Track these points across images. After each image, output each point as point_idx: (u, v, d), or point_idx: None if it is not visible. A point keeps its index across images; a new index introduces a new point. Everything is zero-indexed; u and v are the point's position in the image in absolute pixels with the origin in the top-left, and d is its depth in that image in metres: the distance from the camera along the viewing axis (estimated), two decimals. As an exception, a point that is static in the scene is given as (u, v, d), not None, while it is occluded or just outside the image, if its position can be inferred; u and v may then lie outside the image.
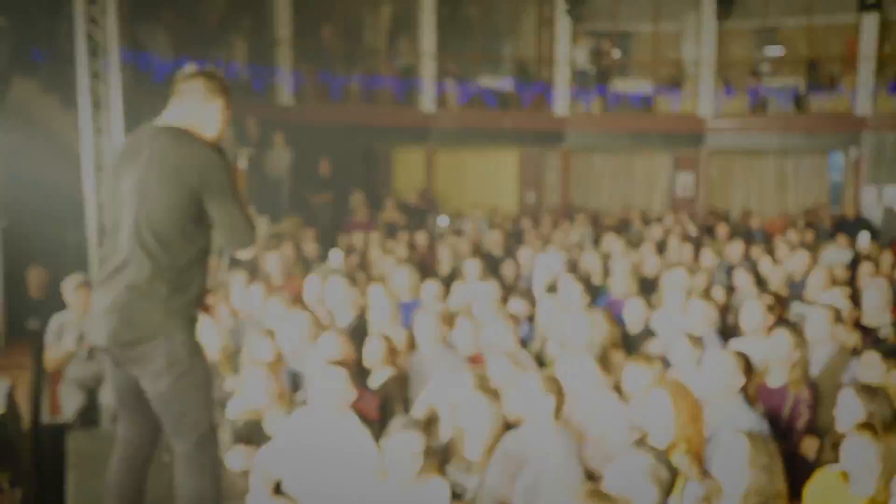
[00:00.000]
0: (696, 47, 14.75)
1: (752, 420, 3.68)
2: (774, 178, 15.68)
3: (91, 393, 5.37)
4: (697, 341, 4.51)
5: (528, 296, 6.49)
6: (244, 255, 2.85)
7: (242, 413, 4.14)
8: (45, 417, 5.38)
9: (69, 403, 5.22)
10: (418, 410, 4.18)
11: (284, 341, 4.84)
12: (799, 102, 14.10)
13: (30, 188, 7.56)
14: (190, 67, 2.80)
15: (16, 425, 4.49)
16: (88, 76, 7.05)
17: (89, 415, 5.20)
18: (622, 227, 12.06)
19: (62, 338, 5.52)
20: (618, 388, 4.02)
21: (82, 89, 7.04)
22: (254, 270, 7.81)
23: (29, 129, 7.90)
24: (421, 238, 10.28)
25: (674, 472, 2.93)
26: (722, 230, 10.36)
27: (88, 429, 4.91)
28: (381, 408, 4.22)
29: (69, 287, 5.59)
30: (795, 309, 6.07)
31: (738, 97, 14.56)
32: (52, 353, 5.49)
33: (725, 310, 6.09)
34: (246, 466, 3.73)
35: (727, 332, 5.42)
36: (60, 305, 6.20)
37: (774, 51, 15.85)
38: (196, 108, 2.71)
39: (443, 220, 12.80)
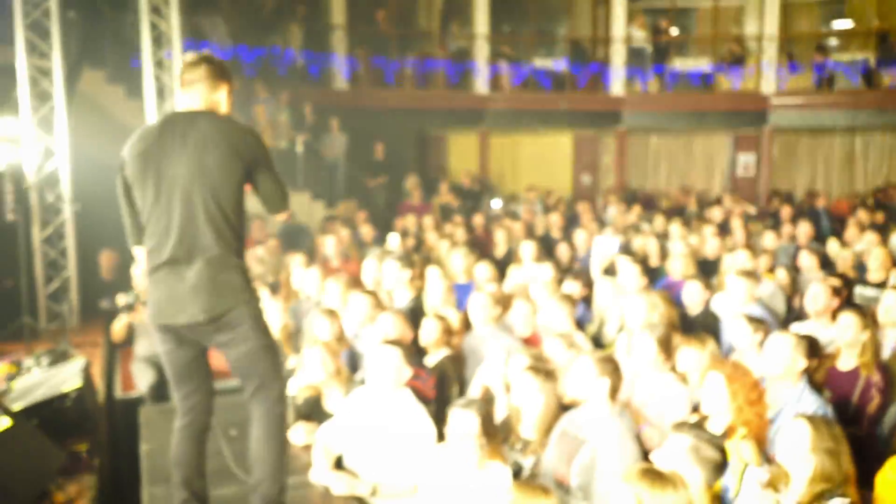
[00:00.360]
0: (759, 22, 14.23)
1: (815, 404, 3.61)
2: (842, 157, 15.10)
3: (161, 370, 5.59)
4: (759, 323, 4.42)
5: (584, 277, 6.46)
6: (280, 217, 3.06)
7: (302, 390, 4.26)
8: (118, 393, 5.66)
9: (141, 380, 5.45)
10: (473, 390, 4.23)
11: (344, 322, 4.95)
12: (868, 77, 13.45)
13: (99, 174, 7.85)
14: (190, 56, 2.94)
15: (92, 399, 4.72)
16: (153, 66, 7.28)
17: (160, 390, 5.40)
18: (679, 209, 11.83)
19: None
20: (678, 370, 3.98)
21: (147, 79, 7.27)
22: (311, 253, 7.99)
23: (97, 117, 8.21)
24: (476, 220, 10.30)
25: (723, 454, 2.89)
26: (786, 211, 10.06)
27: (159, 404, 5.11)
28: (437, 387, 4.28)
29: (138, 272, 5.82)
30: (865, 292, 5.88)
31: (803, 73, 14.00)
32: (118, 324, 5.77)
33: (791, 292, 5.95)
34: (307, 442, 3.85)
35: (792, 315, 5.29)
36: (130, 286, 6.48)
37: (842, 24, 15.19)
38: (208, 93, 2.88)
39: (496, 203, 12.78)
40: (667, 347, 3.99)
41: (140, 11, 7.19)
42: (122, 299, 5.58)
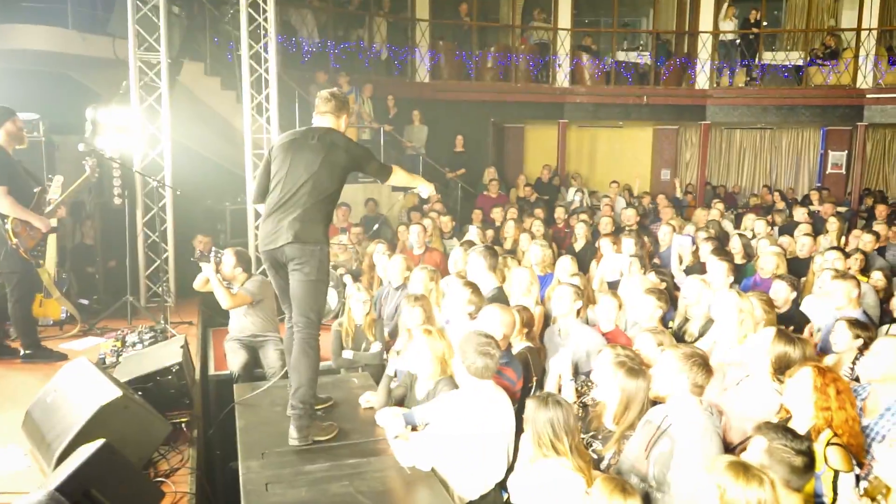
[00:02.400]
0: (857, 13, 13.58)
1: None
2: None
3: (251, 349, 5.85)
4: (857, 325, 4.30)
5: (666, 274, 6.39)
6: (392, 181, 4.30)
7: (399, 374, 4.39)
8: (211, 371, 5.95)
9: (233, 360, 5.71)
10: (550, 382, 4.25)
11: (439, 309, 5.06)
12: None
13: (194, 162, 8.25)
14: (324, 93, 4.22)
15: (190, 375, 4.96)
16: (249, 58, 7.56)
17: (250, 370, 5.66)
18: (766, 207, 11.47)
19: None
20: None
21: (244, 71, 7.55)
22: (392, 242, 8.16)
23: (195, 108, 8.59)
24: (555, 214, 10.28)
25: (807, 458, 2.83)
26: (881, 210, 9.62)
27: (252, 381, 5.34)
28: (520, 378, 4.32)
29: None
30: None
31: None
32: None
33: (886, 295, 5.73)
34: (391, 424, 3.95)
35: (888, 317, 5.10)
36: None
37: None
38: (335, 119, 4.18)
39: (576, 197, 12.71)
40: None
41: (239, 6, 7.48)
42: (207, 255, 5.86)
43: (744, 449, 3.14)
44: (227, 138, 8.94)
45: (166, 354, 4.71)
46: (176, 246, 7.47)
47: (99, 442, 3.09)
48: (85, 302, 6.89)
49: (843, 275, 5.19)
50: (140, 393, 4.19)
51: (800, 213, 9.52)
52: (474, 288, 4.96)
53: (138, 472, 3.38)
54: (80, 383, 3.82)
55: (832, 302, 5.08)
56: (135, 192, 7.11)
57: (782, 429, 2.90)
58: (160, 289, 7.32)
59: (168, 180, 7.23)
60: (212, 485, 4.12)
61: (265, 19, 7.47)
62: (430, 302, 5.03)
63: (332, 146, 4.02)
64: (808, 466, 2.82)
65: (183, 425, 4.34)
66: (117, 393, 3.64)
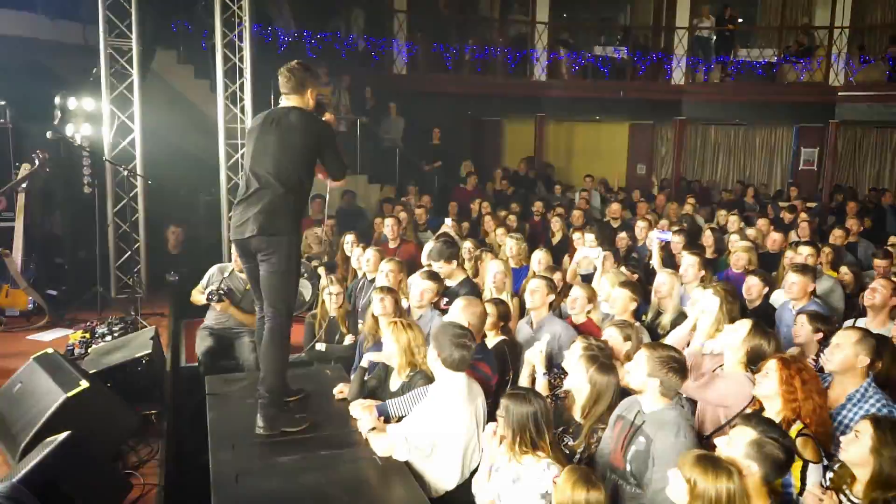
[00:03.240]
0: (830, 11, 13.76)
1: (879, 402, 3.55)
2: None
3: (220, 339, 5.81)
4: (818, 318, 4.37)
5: (641, 267, 6.43)
6: (338, 184, 4.16)
7: (371, 366, 4.37)
8: (183, 362, 5.89)
9: (199, 346, 5.70)
10: (524, 376, 4.26)
11: (403, 301, 5.06)
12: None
13: (167, 151, 8.13)
14: (282, 70, 3.95)
15: (160, 366, 4.91)
16: (223, 47, 7.46)
17: (213, 358, 5.62)
18: (738, 202, 11.61)
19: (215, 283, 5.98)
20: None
21: (218, 60, 7.45)
22: (368, 235, 8.13)
23: (167, 96, 8.46)
24: (530, 207, 10.30)
25: (788, 452, 2.84)
26: (851, 207, 9.78)
27: (213, 370, 5.30)
28: (495, 373, 4.32)
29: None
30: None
31: (874, 65, 13.49)
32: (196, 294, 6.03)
33: (855, 288, 5.83)
34: (363, 416, 3.94)
35: (855, 311, 5.20)
36: (195, 261, 6.71)
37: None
38: (296, 96, 3.95)
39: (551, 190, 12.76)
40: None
41: (214, -6, 7.37)
42: (215, 291, 5.81)
43: (718, 436, 3.17)
44: (201, 128, 8.82)
45: (136, 346, 4.66)
46: (148, 236, 7.36)
47: (65, 434, 3.05)
48: (53, 293, 6.76)
49: (801, 268, 5.28)
50: (108, 384, 4.13)
51: (771, 209, 9.65)
52: (435, 277, 4.97)
53: (105, 464, 3.34)
54: (47, 374, 3.76)
55: (788, 293, 5.16)
56: (105, 182, 6.99)
57: (769, 422, 2.92)
58: (131, 280, 7.22)
59: (139, 169, 7.12)
60: (182, 477, 4.06)
61: (240, 7, 7.36)
62: (399, 294, 5.02)
63: (290, 129, 3.86)
64: (790, 463, 2.85)
65: (153, 417, 4.29)
66: (84, 384, 3.59)
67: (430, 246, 6.26)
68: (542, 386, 4.06)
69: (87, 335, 5.60)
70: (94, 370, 4.27)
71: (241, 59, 7.51)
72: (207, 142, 8.38)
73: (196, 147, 9.28)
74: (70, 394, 3.50)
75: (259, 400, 3.89)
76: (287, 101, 3.97)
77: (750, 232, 7.78)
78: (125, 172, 6.79)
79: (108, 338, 5.55)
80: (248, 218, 3.83)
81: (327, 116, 4.13)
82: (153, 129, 7.39)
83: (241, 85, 7.57)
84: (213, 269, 6.10)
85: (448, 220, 7.63)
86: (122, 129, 7.09)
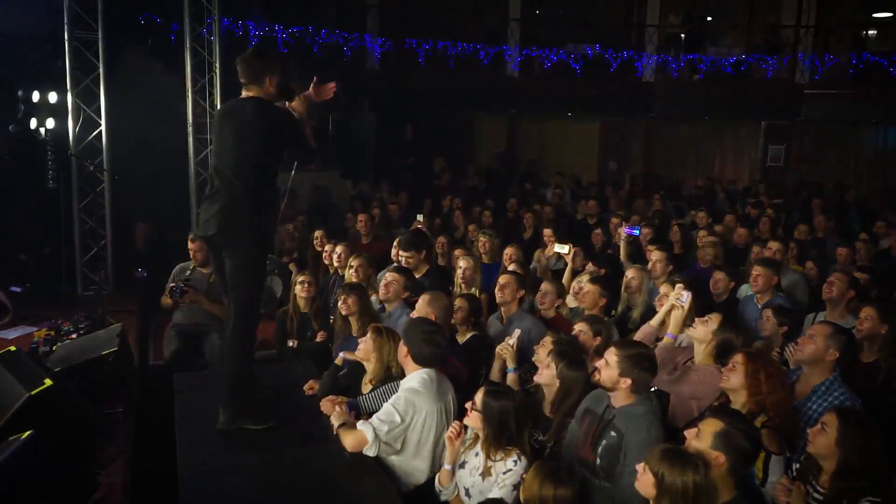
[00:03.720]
0: (796, 11, 13.99)
1: (844, 395, 3.63)
2: (874, 150, 14.87)
3: (188, 338, 5.75)
4: (782, 312, 4.45)
5: (612, 263, 6.50)
6: (306, 161, 3.87)
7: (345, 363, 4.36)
8: (151, 361, 5.82)
9: (167, 347, 5.63)
10: (494, 370, 4.28)
11: (372, 297, 5.06)
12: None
13: (135, 147, 8.02)
14: (242, 56, 3.84)
15: (127, 364, 4.85)
16: (191, 41, 7.38)
17: (181, 358, 5.56)
18: (708, 198, 11.76)
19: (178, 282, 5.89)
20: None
21: (186, 54, 7.37)
22: (341, 230, 8.10)
23: (135, 91, 8.33)
24: (503, 203, 10.34)
25: (756, 444, 2.88)
26: (817, 203, 9.97)
27: (182, 370, 5.24)
28: (465, 367, 4.34)
29: (190, 241, 5.96)
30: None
31: (839, 64, 13.76)
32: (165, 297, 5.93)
33: (820, 283, 5.94)
34: (334, 411, 3.93)
35: (820, 306, 5.30)
36: (163, 257, 6.63)
37: (881, 15, 14.88)
38: (253, 85, 3.81)
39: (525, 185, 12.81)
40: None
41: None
42: (176, 287, 5.73)
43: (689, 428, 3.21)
44: (170, 123, 8.70)
45: (102, 343, 4.59)
46: (116, 232, 7.26)
47: (28, 433, 3.01)
48: (17, 289, 6.64)
49: (765, 262, 5.38)
50: (74, 382, 4.07)
51: (739, 205, 9.79)
52: (406, 274, 4.98)
53: (70, 463, 3.29)
54: (10, 373, 3.69)
55: (754, 287, 5.26)
56: (71, 177, 6.88)
57: (737, 414, 2.97)
58: (98, 276, 7.11)
59: (106, 165, 7.02)
60: (149, 475, 4.02)
61: (209, 1, 7.28)
62: (366, 291, 5.01)
63: (246, 122, 3.75)
64: (757, 453, 2.92)
65: (119, 415, 4.23)
66: (48, 382, 3.54)
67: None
68: (511, 381, 4.09)
69: (53, 333, 5.50)
70: (59, 368, 4.21)
71: (210, 54, 7.44)
72: (177, 137, 8.28)
73: (165, 142, 9.15)
74: (33, 392, 3.45)
75: (223, 396, 3.87)
76: (246, 91, 3.86)
77: (718, 227, 7.89)
78: (91, 167, 6.68)
79: (74, 335, 5.47)
80: (210, 216, 3.80)
81: (296, 103, 3.99)
82: (121, 124, 7.28)
83: (211, 79, 7.49)
84: (176, 269, 6.05)
85: (419, 216, 7.64)
86: (88, 123, 6.98)
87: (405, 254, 5.44)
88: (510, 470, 3.17)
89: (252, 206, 3.77)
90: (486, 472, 3.22)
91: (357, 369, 4.27)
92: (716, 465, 2.73)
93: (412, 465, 3.61)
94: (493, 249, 6.63)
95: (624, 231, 6.61)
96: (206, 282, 5.80)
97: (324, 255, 6.70)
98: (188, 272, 5.94)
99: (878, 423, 2.95)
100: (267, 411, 3.99)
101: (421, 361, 3.65)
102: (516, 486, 3.09)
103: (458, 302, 4.74)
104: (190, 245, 5.94)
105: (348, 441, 3.61)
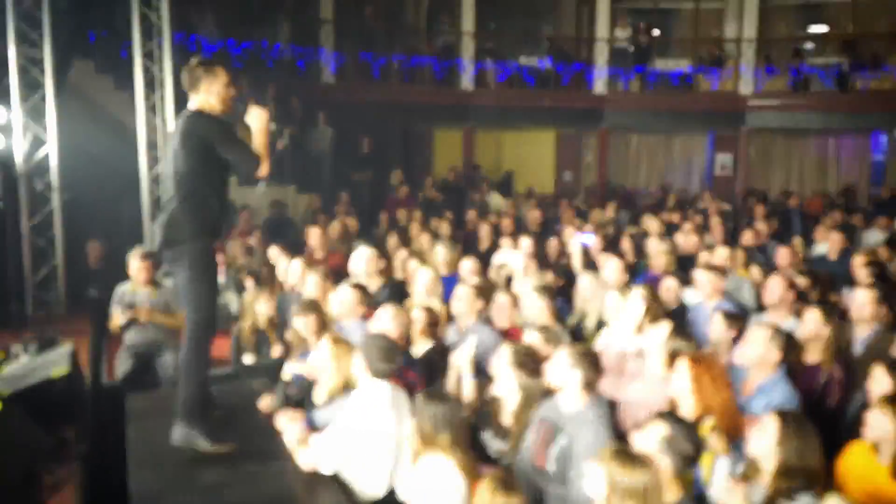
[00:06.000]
0: (738, 25, 14.50)
1: (784, 395, 3.76)
2: (815, 158, 15.44)
3: (141, 358, 5.67)
4: (731, 316, 4.60)
5: (566, 272, 6.61)
6: (260, 174, 3.79)
7: (293, 378, 4.35)
8: (104, 381, 5.71)
9: (119, 368, 5.53)
10: (450, 381, 4.33)
11: (328, 313, 5.06)
12: (842, 81, 13.73)
13: (86, 164, 7.89)
14: (190, 62, 3.77)
15: (79, 385, 4.78)
16: (142, 57, 7.31)
17: (134, 378, 5.48)
18: (659, 207, 12.03)
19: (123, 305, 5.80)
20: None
21: (137, 70, 7.30)
22: (297, 245, 8.06)
23: (86, 107, 8.21)
24: (460, 214, 10.40)
25: (698, 447, 2.99)
26: (759, 210, 10.29)
27: (141, 391, 5.16)
28: (423, 379, 4.37)
29: (131, 260, 5.84)
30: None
31: (779, 76, 14.30)
32: (114, 319, 5.80)
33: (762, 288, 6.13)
34: (289, 427, 3.93)
35: (763, 309, 5.47)
36: (117, 276, 6.51)
37: (818, 28, 15.52)
38: (195, 95, 3.75)
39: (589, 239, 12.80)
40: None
41: (131, 2, 7.21)
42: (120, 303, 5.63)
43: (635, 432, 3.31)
44: (122, 139, 8.59)
45: (52, 365, 4.52)
46: (68, 251, 7.12)
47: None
48: (-37, 312, 6.48)
49: (709, 267, 5.55)
50: (23, 406, 4.00)
51: (690, 213, 10.04)
52: (362, 289, 5.01)
53: (17, 488, 3.24)
54: (-45, 397, 3.61)
55: (700, 292, 5.41)
56: (17, 196, 6.73)
57: (679, 420, 3.07)
58: (50, 296, 6.96)
59: (55, 182, 6.89)
60: (100, 499, 3.95)
61: (158, 17, 7.23)
62: (322, 308, 5.02)
63: (181, 134, 3.72)
64: (698, 456, 3.03)
65: (70, 438, 4.17)
66: (-3, 406, 3.48)
67: (360, 256, 6.28)
68: (469, 389, 4.14)
69: (2, 355, 5.38)
70: (8, 391, 4.13)
71: (160, 69, 7.38)
72: (128, 153, 8.18)
73: (117, 158, 9.02)
74: (-19, 416, 3.38)
75: (177, 411, 3.81)
76: (191, 103, 3.79)
77: (678, 236, 8.06)
78: (40, 187, 6.56)
79: (24, 357, 5.35)
80: (157, 228, 3.84)
81: (253, 113, 3.82)
82: (71, 141, 7.16)
83: (162, 95, 7.43)
84: (117, 292, 5.92)
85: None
86: (36, 141, 6.85)
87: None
88: (434, 474, 3.21)
89: (191, 216, 3.71)
90: (426, 476, 3.27)
91: (308, 383, 4.27)
92: (661, 467, 2.82)
93: (369, 478, 3.62)
94: (451, 261, 6.68)
95: (578, 240, 6.73)
96: (149, 300, 5.73)
97: (279, 269, 6.68)
98: (126, 293, 5.84)
99: (817, 423, 3.07)
100: (223, 433, 3.90)
101: (377, 375, 3.69)
102: (444, 493, 3.13)
103: (416, 313, 4.78)
104: (133, 264, 5.82)
105: (305, 458, 3.62)
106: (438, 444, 3.23)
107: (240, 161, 3.78)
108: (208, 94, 3.73)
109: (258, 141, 3.78)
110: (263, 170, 3.76)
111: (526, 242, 7.14)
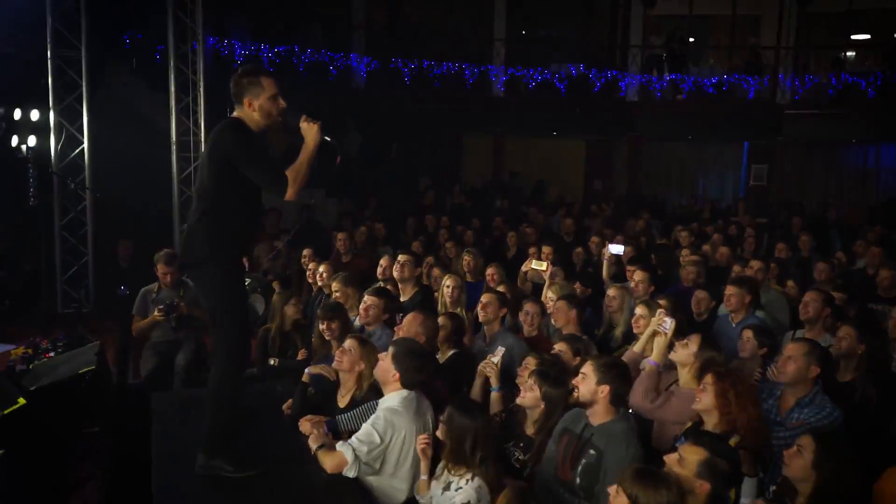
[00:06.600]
0: (776, 32, 14.21)
1: (825, 410, 3.65)
2: (855, 169, 15.06)
3: (165, 357, 5.71)
4: (762, 332, 4.48)
5: (594, 282, 6.52)
6: (284, 197, 3.40)
7: (315, 382, 4.33)
8: (130, 379, 5.77)
9: (144, 366, 5.58)
10: (475, 389, 4.28)
11: (352, 317, 5.05)
12: (883, 90, 13.34)
13: (119, 165, 8.01)
14: (237, 71, 3.51)
15: (105, 382, 4.80)
16: (175, 60, 7.40)
17: (157, 377, 5.53)
18: (691, 217, 11.85)
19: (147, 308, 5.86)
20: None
21: (170, 72, 7.39)
22: (326, 249, 8.09)
23: (119, 109, 8.34)
24: (487, 221, 10.36)
25: (736, 465, 2.87)
26: (796, 222, 10.07)
27: (163, 389, 5.19)
28: (448, 386, 4.33)
29: (157, 263, 5.91)
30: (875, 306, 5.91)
31: (818, 84, 13.97)
32: (138, 322, 5.85)
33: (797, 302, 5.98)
34: (311, 432, 3.90)
35: (798, 324, 5.33)
36: (146, 275, 6.59)
37: (859, 36, 15.15)
38: (238, 108, 3.48)
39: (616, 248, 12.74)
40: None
41: (166, 6, 7.31)
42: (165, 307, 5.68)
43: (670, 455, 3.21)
44: (154, 140, 8.71)
45: (80, 362, 4.54)
46: (97, 250, 7.22)
47: (-1, 453, 2.98)
48: (-6, 307, 6.60)
49: (738, 281, 5.43)
50: (49, 402, 4.02)
51: (721, 224, 9.87)
52: (386, 295, 4.96)
53: (42, 484, 3.25)
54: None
55: (727, 306, 5.29)
56: (52, 194, 6.85)
57: (716, 438, 2.98)
58: (80, 294, 7.06)
59: (88, 182, 7.00)
60: (123, 497, 3.96)
61: (193, 21, 7.32)
62: (346, 313, 5.00)
63: (211, 145, 3.47)
64: (738, 478, 2.92)
65: (96, 435, 4.19)
66: (21, 401, 3.50)
67: (386, 261, 6.27)
68: (495, 399, 4.08)
69: (30, 351, 5.43)
70: (35, 387, 4.16)
71: (194, 73, 7.46)
72: (160, 155, 8.28)
73: (148, 160, 9.15)
74: (6, 411, 3.41)
75: (202, 436, 3.61)
76: (235, 111, 3.55)
77: (706, 247, 7.93)
78: (73, 185, 6.66)
79: (52, 354, 5.41)
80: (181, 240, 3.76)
81: (304, 128, 3.45)
82: (104, 142, 7.27)
83: (195, 97, 7.51)
84: (140, 293, 5.98)
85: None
86: (70, 140, 6.96)
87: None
88: (461, 488, 3.16)
89: (208, 236, 3.44)
90: (446, 486, 3.22)
91: (328, 385, 4.25)
92: (700, 492, 2.72)
93: (391, 484, 3.59)
94: (476, 268, 6.64)
95: (608, 250, 6.63)
96: (175, 298, 5.78)
97: (308, 273, 6.69)
98: (153, 294, 5.88)
99: (852, 442, 2.97)
100: (248, 458, 3.67)
101: (408, 384, 3.66)
102: None
103: (441, 320, 4.74)
104: (159, 268, 5.87)
105: (328, 463, 3.57)
106: (468, 457, 3.19)
107: (261, 182, 3.44)
108: (251, 106, 3.44)
109: (302, 159, 3.39)
110: (289, 193, 3.36)
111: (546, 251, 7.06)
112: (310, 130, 3.42)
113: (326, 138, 3.46)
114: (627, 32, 14.45)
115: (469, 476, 3.18)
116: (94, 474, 3.82)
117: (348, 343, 4.14)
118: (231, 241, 3.48)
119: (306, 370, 4.35)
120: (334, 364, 4.17)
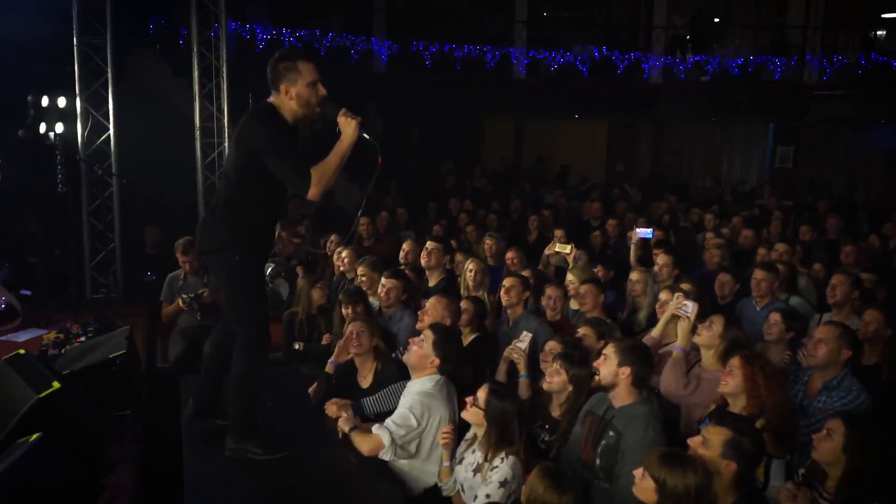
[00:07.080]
0: (804, 11, 13.91)
1: (854, 392, 3.64)
2: (883, 149, 14.77)
3: (193, 341, 5.79)
4: (789, 316, 4.44)
5: (616, 265, 6.49)
6: (306, 196, 3.26)
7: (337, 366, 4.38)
8: (159, 363, 5.86)
9: (172, 350, 5.67)
10: (500, 373, 4.30)
11: (374, 301, 5.09)
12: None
13: (145, 151, 8.09)
14: (274, 55, 3.37)
15: (134, 367, 4.88)
16: (198, 45, 7.42)
17: (186, 361, 5.59)
18: (715, 200, 11.72)
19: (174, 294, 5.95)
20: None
21: (194, 59, 7.42)
22: (349, 233, 8.12)
23: (144, 95, 8.40)
24: (510, 205, 10.33)
25: (761, 445, 2.87)
26: (822, 205, 9.92)
27: (191, 373, 5.26)
28: (471, 370, 4.35)
29: (176, 252, 5.99)
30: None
31: (847, 64, 13.66)
32: (165, 308, 5.94)
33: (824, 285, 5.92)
34: (338, 414, 3.93)
35: (826, 307, 5.28)
36: (172, 261, 6.67)
37: (889, 14, 14.79)
38: (274, 94, 3.34)
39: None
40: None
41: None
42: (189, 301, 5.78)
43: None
44: (179, 126, 8.77)
45: (110, 346, 4.61)
46: (124, 236, 7.31)
47: (37, 435, 3.04)
48: (27, 292, 6.70)
49: (765, 265, 5.37)
50: (82, 385, 4.10)
51: (746, 207, 9.76)
52: (406, 278, 5.00)
53: (77, 466, 3.32)
54: (19, 376, 3.72)
55: (756, 291, 5.24)
56: (79, 181, 6.94)
57: (740, 418, 2.96)
58: (107, 279, 7.16)
59: (114, 168, 7.07)
60: (155, 479, 4.04)
61: (216, 5, 7.33)
62: (367, 298, 5.04)
63: (238, 134, 3.41)
64: (763, 455, 2.92)
65: (126, 418, 4.26)
66: (56, 385, 3.57)
67: (408, 245, 6.30)
68: (524, 385, 4.10)
69: (62, 336, 5.54)
70: (68, 371, 4.24)
71: (217, 58, 7.48)
72: (185, 140, 8.34)
73: (173, 146, 9.23)
74: (42, 395, 3.47)
75: (230, 421, 3.65)
76: (271, 97, 3.38)
77: (724, 231, 7.87)
78: (100, 172, 6.74)
79: (83, 338, 5.50)
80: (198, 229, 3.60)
81: (342, 122, 3.27)
82: (129, 128, 7.34)
83: (218, 83, 7.54)
84: (168, 280, 6.10)
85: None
86: (96, 127, 7.03)
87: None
88: (496, 467, 3.19)
89: (225, 225, 3.39)
90: (478, 469, 3.25)
91: (348, 369, 4.30)
92: (726, 472, 2.72)
93: (423, 468, 3.64)
94: (498, 252, 6.64)
95: (636, 234, 6.57)
96: (200, 286, 5.87)
97: (332, 258, 6.73)
98: (180, 282, 5.96)
99: (879, 426, 2.95)
100: (276, 441, 3.69)
101: (444, 371, 3.71)
102: (503, 483, 3.12)
103: (464, 304, 4.76)
104: (178, 256, 5.97)
105: (364, 446, 3.60)
106: (513, 439, 3.20)
107: (284, 179, 3.31)
108: (288, 94, 3.28)
109: (332, 158, 3.23)
110: (312, 193, 3.19)
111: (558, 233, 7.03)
112: (348, 126, 3.24)
113: (366, 136, 3.25)
114: (651, 13, 14.22)
115: (503, 454, 3.20)
116: (127, 456, 3.89)
117: (353, 327, 4.20)
118: (250, 231, 3.40)
119: (329, 361, 4.39)
120: (352, 353, 4.21)
